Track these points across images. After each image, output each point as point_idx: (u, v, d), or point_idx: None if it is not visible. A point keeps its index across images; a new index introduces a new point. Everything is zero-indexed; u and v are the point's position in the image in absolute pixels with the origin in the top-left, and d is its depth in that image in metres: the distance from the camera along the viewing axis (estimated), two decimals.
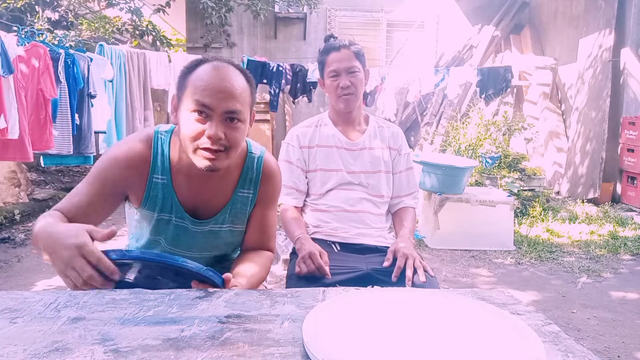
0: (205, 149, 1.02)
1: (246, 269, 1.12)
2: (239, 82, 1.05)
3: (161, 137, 1.15)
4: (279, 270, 3.23)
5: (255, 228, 1.25)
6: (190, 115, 1.02)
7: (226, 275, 0.96)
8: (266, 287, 1.34)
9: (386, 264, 1.44)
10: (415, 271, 1.38)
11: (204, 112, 1.01)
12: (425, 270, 1.39)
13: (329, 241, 1.60)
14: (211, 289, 0.99)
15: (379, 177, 1.66)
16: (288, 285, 1.49)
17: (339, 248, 1.58)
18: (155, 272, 0.96)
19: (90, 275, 0.85)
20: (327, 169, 1.65)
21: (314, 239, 1.55)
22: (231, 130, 1.04)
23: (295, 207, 1.67)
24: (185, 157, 1.10)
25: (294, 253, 1.65)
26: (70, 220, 1.06)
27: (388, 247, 1.53)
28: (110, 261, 0.87)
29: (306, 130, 1.70)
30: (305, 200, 1.70)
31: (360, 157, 1.66)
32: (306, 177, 1.67)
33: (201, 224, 1.18)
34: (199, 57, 1.14)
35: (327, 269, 1.40)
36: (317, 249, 1.44)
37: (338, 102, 1.62)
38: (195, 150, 1.03)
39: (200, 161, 1.04)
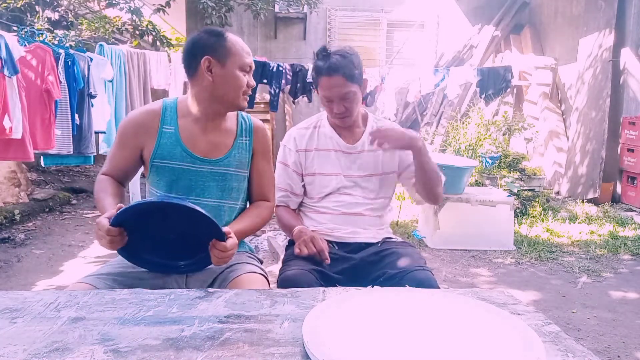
0: (245, 94, 1.38)
1: (241, 225, 1.39)
2: None
3: (168, 101, 1.43)
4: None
5: (255, 179, 1.49)
6: (241, 73, 1.36)
7: (226, 229, 1.18)
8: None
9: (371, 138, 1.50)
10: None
11: (248, 71, 1.38)
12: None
13: (326, 241, 1.60)
14: (211, 289, 0.98)
15: (377, 180, 1.65)
16: (282, 271, 1.49)
17: (336, 248, 1.59)
18: (153, 218, 1.16)
19: (107, 242, 1.13)
20: (325, 173, 1.64)
21: None
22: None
23: (290, 209, 1.68)
24: (196, 107, 1.39)
25: (289, 245, 1.67)
26: (115, 178, 1.41)
27: (376, 243, 1.59)
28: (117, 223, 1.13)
29: (304, 132, 1.68)
30: (303, 203, 1.70)
31: (358, 160, 1.64)
32: (303, 180, 1.67)
33: (211, 162, 1.39)
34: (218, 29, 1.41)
35: (327, 254, 1.44)
36: (319, 235, 1.49)
37: (334, 120, 1.63)
38: (241, 96, 1.37)
39: (243, 103, 1.39)
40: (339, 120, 1.59)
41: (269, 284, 1.39)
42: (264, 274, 1.40)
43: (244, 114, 1.53)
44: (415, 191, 1.67)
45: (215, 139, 1.41)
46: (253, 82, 1.39)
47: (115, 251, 1.19)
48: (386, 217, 1.72)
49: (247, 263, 1.40)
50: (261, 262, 1.55)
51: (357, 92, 1.54)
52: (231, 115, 1.47)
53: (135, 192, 4.79)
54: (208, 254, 1.19)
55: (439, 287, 1.35)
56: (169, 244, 1.22)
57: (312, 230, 1.63)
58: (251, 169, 1.48)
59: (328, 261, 1.45)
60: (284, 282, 1.39)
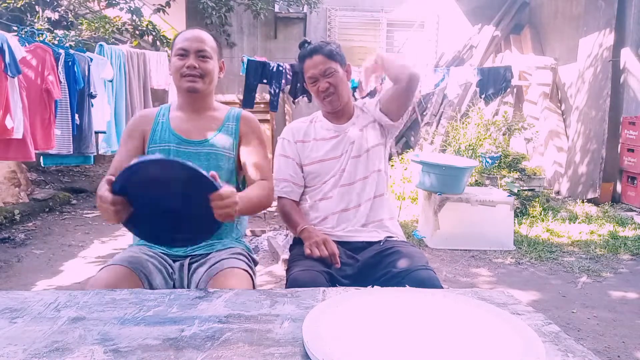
0: (186, 75, 1.45)
1: (245, 192, 1.40)
2: (205, 35, 1.50)
3: (164, 105, 1.61)
4: (279, 270, 3.23)
5: (248, 160, 1.52)
6: (175, 58, 1.47)
7: (212, 173, 1.16)
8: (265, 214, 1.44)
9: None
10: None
11: (183, 54, 1.45)
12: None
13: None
14: (211, 290, 0.98)
15: (373, 152, 1.68)
16: (291, 271, 1.48)
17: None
18: (147, 180, 1.15)
19: (112, 213, 1.13)
20: (325, 159, 1.67)
21: None
22: (203, 62, 1.46)
23: (293, 200, 1.68)
24: (180, 99, 1.54)
25: (294, 244, 1.66)
26: None
27: (378, 242, 1.59)
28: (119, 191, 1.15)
29: (301, 125, 1.75)
30: (306, 197, 1.70)
31: (348, 138, 1.68)
32: (302, 172, 1.69)
33: (197, 143, 1.49)
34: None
35: (338, 257, 1.45)
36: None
37: (323, 105, 1.68)
38: (180, 79, 1.46)
39: (185, 84, 1.46)
40: (328, 102, 1.64)
41: (252, 281, 1.39)
42: (248, 270, 1.38)
43: (235, 107, 1.60)
44: (392, 98, 1.66)
45: (202, 125, 1.52)
46: (191, 62, 1.43)
47: (119, 226, 1.22)
48: (387, 207, 1.72)
49: (234, 258, 1.40)
50: (255, 262, 1.55)
51: (338, 70, 1.62)
52: (221, 108, 1.58)
53: None
54: (207, 222, 1.18)
55: (441, 287, 1.34)
56: (171, 216, 1.20)
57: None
58: (242, 152, 1.53)
59: (339, 265, 1.46)
60: (294, 282, 1.37)
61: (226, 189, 1.15)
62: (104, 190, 1.14)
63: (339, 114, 1.71)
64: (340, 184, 1.65)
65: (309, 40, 1.69)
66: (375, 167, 1.68)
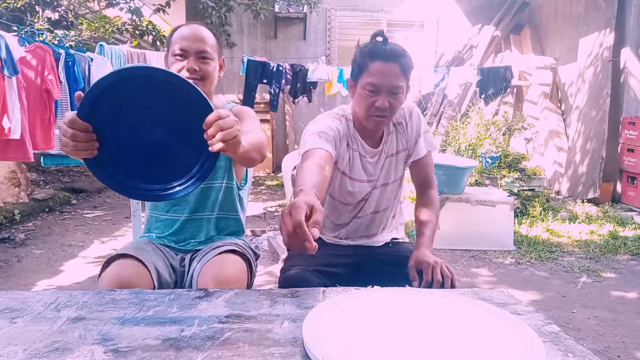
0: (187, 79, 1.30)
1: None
2: (206, 32, 1.40)
3: None
4: (279, 270, 3.23)
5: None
6: (174, 59, 1.37)
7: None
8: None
9: (415, 284, 1.26)
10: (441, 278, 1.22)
11: (183, 55, 1.36)
12: (451, 280, 1.21)
13: (330, 243, 1.59)
14: (211, 289, 0.98)
15: (394, 185, 1.55)
16: (283, 269, 1.44)
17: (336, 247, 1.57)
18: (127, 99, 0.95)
19: (68, 138, 0.94)
20: (353, 178, 1.48)
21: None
22: (203, 64, 1.37)
23: (326, 151, 1.28)
24: None
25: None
26: None
27: (386, 244, 1.56)
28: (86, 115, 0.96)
29: (336, 121, 1.43)
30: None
31: (379, 166, 1.51)
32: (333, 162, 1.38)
33: None
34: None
35: (314, 241, 0.87)
36: (306, 201, 0.91)
37: (367, 120, 1.36)
38: None
39: None
40: (375, 122, 1.35)
41: (250, 271, 1.40)
42: (244, 257, 1.38)
43: (232, 103, 1.55)
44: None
45: None
46: (191, 65, 1.33)
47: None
48: (398, 218, 1.68)
49: (230, 246, 1.39)
50: (257, 255, 1.55)
51: (404, 91, 1.34)
52: (219, 105, 1.52)
53: None
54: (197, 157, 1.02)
55: (455, 285, 1.23)
56: (146, 154, 1.00)
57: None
58: None
59: (312, 252, 0.93)
60: (285, 282, 1.35)
61: (223, 111, 0.97)
62: (70, 115, 0.95)
63: (373, 133, 1.46)
64: (359, 209, 1.52)
65: (386, 36, 1.34)
66: (394, 198, 1.57)
